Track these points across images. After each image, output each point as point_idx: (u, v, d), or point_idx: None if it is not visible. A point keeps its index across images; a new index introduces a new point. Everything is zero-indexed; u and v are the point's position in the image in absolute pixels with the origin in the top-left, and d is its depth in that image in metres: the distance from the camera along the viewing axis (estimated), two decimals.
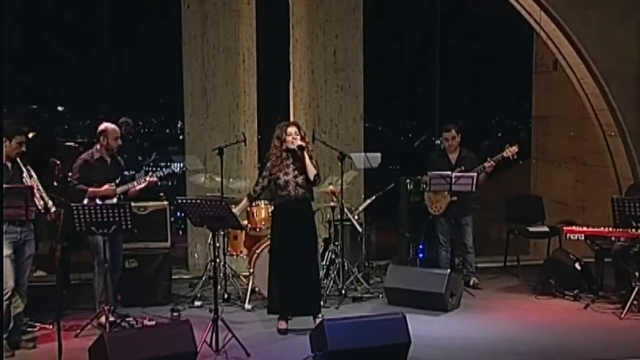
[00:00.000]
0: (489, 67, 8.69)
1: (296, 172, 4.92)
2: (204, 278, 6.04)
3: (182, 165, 5.59)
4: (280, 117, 6.21)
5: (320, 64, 7.16)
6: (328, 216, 6.41)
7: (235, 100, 7.09)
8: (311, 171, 4.90)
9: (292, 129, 4.92)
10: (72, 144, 7.04)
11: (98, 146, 5.22)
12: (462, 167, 6.05)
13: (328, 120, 7.23)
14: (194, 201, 4.67)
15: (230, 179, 6.77)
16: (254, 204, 5.71)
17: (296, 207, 4.93)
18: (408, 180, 6.80)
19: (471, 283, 6.17)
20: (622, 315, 5.12)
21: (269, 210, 5.77)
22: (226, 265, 5.99)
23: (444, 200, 6.10)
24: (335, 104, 7.22)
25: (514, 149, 5.92)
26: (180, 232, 8.25)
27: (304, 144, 4.90)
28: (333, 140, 6.92)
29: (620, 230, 5.26)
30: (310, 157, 4.94)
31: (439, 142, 7.54)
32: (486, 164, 5.95)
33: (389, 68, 8.91)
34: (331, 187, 6.18)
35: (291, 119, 7.00)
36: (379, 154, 6.66)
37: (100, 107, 7.16)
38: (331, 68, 7.17)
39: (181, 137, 7.97)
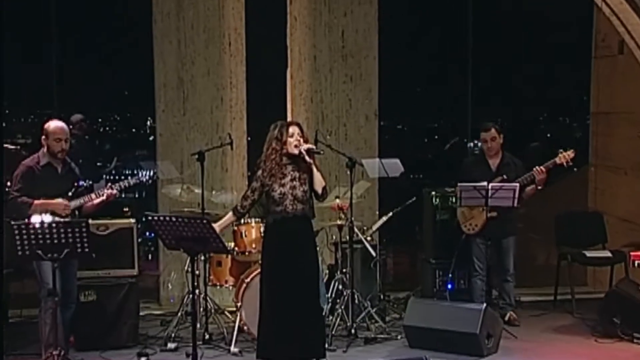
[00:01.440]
0: (537, 50, 8.64)
1: (295, 183, 4.99)
2: (179, 314, 6.07)
3: (152, 173, 5.60)
4: (274, 114, 6.33)
5: (324, 49, 7.29)
6: (334, 237, 6.53)
7: (219, 93, 7.20)
8: (319, 182, 4.98)
9: (294, 129, 5.00)
10: (10, 146, 6.97)
11: (45, 149, 5.21)
12: (504, 176, 6.09)
13: (334, 119, 7.36)
14: (167, 218, 4.71)
15: (213, 191, 6.84)
16: (241, 221, 5.82)
17: (294, 226, 4.98)
18: (434, 193, 6.84)
19: (507, 318, 6.20)
20: None
21: (261, 230, 5.86)
22: (207, 298, 6.04)
23: (481, 217, 6.14)
24: (343, 99, 7.35)
25: (569, 154, 5.94)
26: (150, 257, 8.23)
27: (314, 147, 5.01)
28: (340, 144, 7.09)
29: None
30: (316, 165, 5.07)
31: (473, 144, 7.77)
32: (535, 173, 5.96)
33: (411, 53, 8.88)
34: (338, 201, 6.26)
35: (289, 117, 7.13)
36: (397, 160, 6.69)
37: (48, 100, 7.20)
38: (338, 53, 7.32)
39: (151, 138, 8.06)
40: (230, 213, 5.16)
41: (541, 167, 5.98)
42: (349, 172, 5.85)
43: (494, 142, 6.23)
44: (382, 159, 6.78)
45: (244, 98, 7.22)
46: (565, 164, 5.94)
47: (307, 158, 4.93)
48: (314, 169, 4.95)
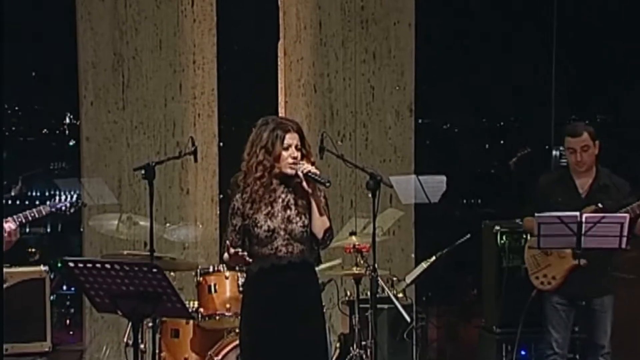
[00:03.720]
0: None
1: (289, 213, 5.05)
2: None
3: (74, 198, 5.50)
4: (259, 110, 6.26)
5: (334, 11, 7.38)
6: (348, 293, 6.59)
7: (176, 77, 7.26)
8: (321, 223, 5.05)
9: (292, 139, 5.04)
10: None
11: None
12: (599, 204, 6.04)
13: (349, 116, 7.40)
14: (97, 265, 4.66)
15: (168, 223, 6.89)
16: (210, 269, 5.97)
17: (289, 278, 5.02)
18: (498, 228, 6.90)
19: None
20: None
21: (239, 283, 5.92)
22: None
23: (561, 265, 6.13)
24: (362, 86, 7.39)
25: None
26: (68, 322, 8.27)
27: (317, 172, 5.02)
28: (358, 153, 7.27)
29: None
30: (318, 191, 5.08)
31: (559, 152, 7.74)
32: None
33: (463, 18, 8.87)
34: (354, 239, 6.34)
35: (281, 112, 7.26)
36: (443, 178, 6.76)
37: None
38: (355, 18, 7.40)
39: (72, 143, 8.09)
40: (227, 256, 5.13)
41: None
42: (370, 196, 5.71)
43: (586, 154, 6.10)
44: (420, 176, 6.83)
45: (214, 84, 7.30)
46: None
47: (304, 185, 4.98)
48: (314, 202, 5.01)
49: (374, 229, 5.85)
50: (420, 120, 7.67)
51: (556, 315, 6.16)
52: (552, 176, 6.43)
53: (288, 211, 5.02)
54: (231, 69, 7.43)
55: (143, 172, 5.91)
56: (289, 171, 4.97)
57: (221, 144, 7.34)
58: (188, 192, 7.32)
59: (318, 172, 4.97)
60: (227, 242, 5.05)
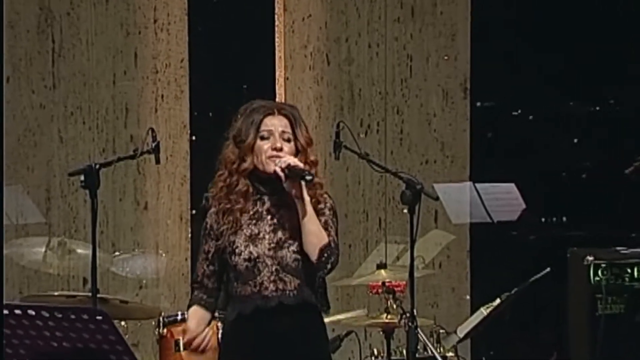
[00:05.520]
0: None
1: (280, 235, 5.11)
2: None
3: None
4: (251, 89, 6.43)
5: None
6: (375, 351, 6.62)
7: (128, 42, 7.43)
8: (313, 238, 5.05)
9: (275, 122, 5.13)
10: None
11: None
12: None
13: (376, 98, 7.50)
14: (17, 312, 4.42)
15: (117, 252, 6.96)
16: (177, 317, 6.14)
17: (280, 327, 5.05)
18: (590, 258, 6.83)
19: None
20: None
21: (218, 337, 5.69)
22: None
23: None
24: (395, 54, 7.47)
25: None
26: None
27: (300, 165, 5.05)
28: (389, 151, 7.27)
29: None
30: (318, 201, 5.15)
31: None
32: None
33: None
34: (384, 273, 6.44)
35: (279, 93, 7.39)
36: (511, 187, 6.89)
37: None
38: None
39: None
40: (194, 308, 5.27)
41: None
42: (407, 213, 5.60)
43: None
44: (478, 184, 6.99)
45: (184, 53, 7.45)
46: None
47: (284, 183, 5.02)
48: (299, 206, 5.03)
49: (412, 259, 5.68)
50: (478, 104, 7.70)
51: None
52: None
53: (279, 232, 5.06)
54: (209, 32, 7.51)
55: (82, 178, 5.76)
56: (269, 167, 5.01)
57: (194, 137, 7.43)
58: (146, 206, 7.41)
59: (301, 166, 4.98)
60: (196, 276, 5.19)
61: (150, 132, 6.24)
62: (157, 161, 6.35)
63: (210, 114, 7.77)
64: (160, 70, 7.41)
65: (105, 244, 6.79)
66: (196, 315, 5.21)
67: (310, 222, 5.01)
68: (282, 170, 4.95)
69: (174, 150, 7.36)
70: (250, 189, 5.05)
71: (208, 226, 5.12)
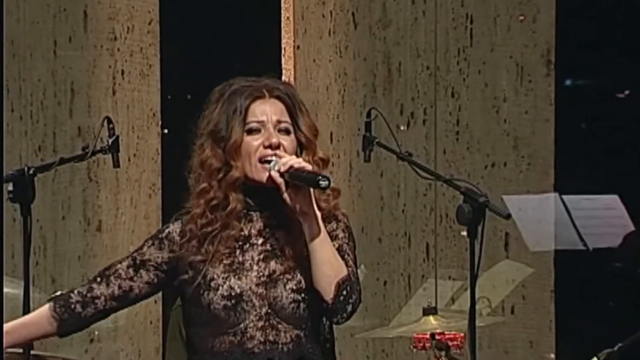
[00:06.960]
0: None
1: (274, 265, 4.76)
2: None
3: None
4: (245, 63, 6.83)
5: None
6: None
7: (72, 2, 7.20)
8: (328, 269, 4.69)
9: (263, 111, 4.82)
10: None
11: None
12: None
13: (422, 75, 7.21)
14: None
15: (59, 291, 6.67)
16: None
17: None
18: None
19: None
20: None
21: None
22: None
23: None
24: (449, 15, 7.18)
25: None
26: None
27: (302, 164, 4.72)
28: (441, 149, 7.00)
29: None
30: (329, 218, 4.81)
31: None
32: None
33: None
34: (433, 321, 6.33)
35: (286, 69, 7.26)
36: (614, 200, 6.98)
37: None
38: None
39: None
40: (48, 306, 4.96)
41: None
42: (466, 236, 5.14)
43: None
44: (566, 196, 7.10)
45: (154, 12, 7.18)
46: None
47: (284, 194, 4.64)
48: (306, 227, 4.63)
49: (473, 301, 5.27)
50: (567, 82, 7.21)
51: None
52: None
53: (272, 263, 4.72)
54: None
55: (10, 187, 5.35)
56: (261, 176, 4.70)
57: (166, 130, 7.28)
58: (100, 227, 7.16)
59: (309, 168, 4.60)
60: (104, 270, 4.86)
61: (105, 122, 5.90)
62: (116, 164, 5.95)
63: (189, 96, 7.75)
64: (120, 36, 7.23)
65: (42, 279, 6.73)
66: (33, 318, 4.92)
67: (323, 247, 4.61)
68: (282, 175, 4.55)
69: (139, 148, 7.17)
70: (237, 206, 4.70)
71: (169, 235, 4.70)
